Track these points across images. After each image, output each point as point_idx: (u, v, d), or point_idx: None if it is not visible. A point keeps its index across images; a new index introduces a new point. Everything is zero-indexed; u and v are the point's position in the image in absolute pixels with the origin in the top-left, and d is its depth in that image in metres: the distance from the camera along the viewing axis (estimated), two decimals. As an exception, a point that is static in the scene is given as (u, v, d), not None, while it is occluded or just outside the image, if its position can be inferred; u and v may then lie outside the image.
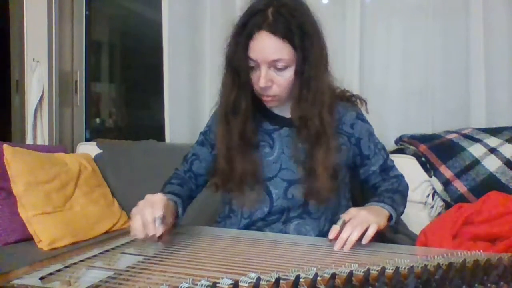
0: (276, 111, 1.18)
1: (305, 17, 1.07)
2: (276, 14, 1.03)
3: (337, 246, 0.95)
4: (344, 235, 0.95)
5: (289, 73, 1.06)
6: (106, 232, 1.72)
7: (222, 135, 1.14)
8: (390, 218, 1.07)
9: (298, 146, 1.13)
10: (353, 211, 1.01)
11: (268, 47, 1.03)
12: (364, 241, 0.95)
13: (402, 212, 1.19)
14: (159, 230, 0.90)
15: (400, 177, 1.24)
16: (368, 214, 1.00)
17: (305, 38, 1.04)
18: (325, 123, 1.09)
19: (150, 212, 0.91)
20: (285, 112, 1.17)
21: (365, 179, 1.24)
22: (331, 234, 0.97)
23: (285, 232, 1.14)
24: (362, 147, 1.20)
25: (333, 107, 1.14)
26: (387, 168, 1.23)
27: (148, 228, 0.90)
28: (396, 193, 1.16)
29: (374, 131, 1.24)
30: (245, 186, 1.14)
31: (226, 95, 1.12)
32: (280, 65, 1.05)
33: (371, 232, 0.96)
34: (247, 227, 1.18)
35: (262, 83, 1.05)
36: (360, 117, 1.22)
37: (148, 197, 0.97)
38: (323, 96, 1.09)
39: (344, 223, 0.97)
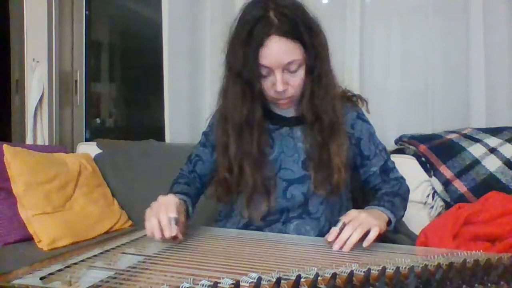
0: (277, 110, 1.18)
1: (306, 14, 1.07)
2: (280, 16, 1.02)
3: (335, 246, 0.94)
4: (343, 236, 0.94)
5: (302, 73, 1.07)
6: (106, 232, 1.72)
7: (235, 150, 1.12)
8: (389, 222, 1.06)
9: (307, 145, 1.13)
10: (353, 213, 1.00)
11: (281, 51, 1.02)
12: (366, 243, 0.94)
13: (402, 216, 1.18)
14: (173, 230, 0.93)
15: (400, 180, 1.24)
16: (368, 217, 0.99)
17: (312, 34, 1.05)
18: (338, 115, 1.11)
19: (165, 214, 0.95)
20: (286, 111, 1.17)
21: (365, 180, 1.23)
22: (330, 236, 0.96)
23: (285, 233, 1.14)
24: (362, 147, 1.20)
25: (340, 101, 1.15)
26: (387, 169, 1.22)
27: (165, 230, 0.93)
28: (396, 196, 1.15)
29: (375, 132, 1.24)
30: (255, 196, 1.14)
31: (238, 109, 1.10)
32: (293, 67, 1.05)
33: (373, 236, 0.95)
34: (246, 226, 1.18)
35: (279, 87, 1.04)
36: (361, 117, 1.22)
37: (161, 198, 1.01)
38: (334, 89, 1.12)
39: (344, 225, 0.96)
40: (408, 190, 1.24)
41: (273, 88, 1.06)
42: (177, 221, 0.95)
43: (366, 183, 1.24)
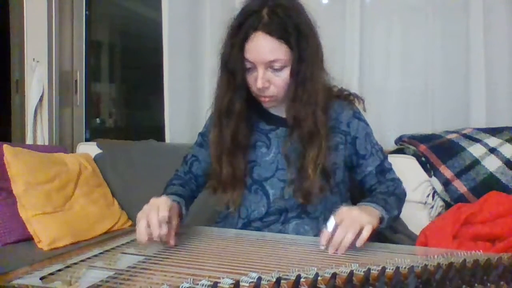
0: (273, 111, 1.18)
1: (301, 17, 1.07)
2: (272, 14, 1.03)
3: (330, 250, 0.92)
4: (337, 238, 0.91)
5: (286, 73, 1.07)
6: (106, 232, 1.72)
7: (214, 137, 1.15)
8: (382, 220, 1.02)
9: (290, 145, 1.13)
10: (344, 211, 0.96)
11: (264, 48, 1.03)
12: (359, 243, 0.91)
13: (397, 216, 1.15)
14: (163, 229, 0.91)
15: (397, 181, 1.21)
16: (360, 214, 0.95)
17: (301, 38, 1.05)
18: (318, 123, 1.09)
19: (156, 214, 0.92)
20: (282, 112, 1.17)
21: (361, 181, 1.22)
22: (323, 240, 0.92)
23: (284, 233, 1.14)
24: (358, 147, 1.19)
25: (327, 107, 1.14)
26: (383, 170, 1.20)
27: (153, 229, 0.91)
28: (391, 196, 1.13)
29: (372, 132, 1.22)
30: (229, 188, 1.14)
31: (221, 97, 1.12)
32: (277, 65, 1.05)
33: (366, 234, 0.91)
34: (245, 226, 1.18)
35: (259, 84, 1.05)
36: (357, 116, 1.20)
37: (153, 200, 0.99)
38: (317, 95, 1.09)
39: (336, 226, 0.92)
40: (404, 192, 1.21)
41: (255, 84, 1.07)
42: (168, 221, 0.93)
43: (362, 183, 1.22)
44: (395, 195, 1.14)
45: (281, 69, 1.06)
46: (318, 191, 1.10)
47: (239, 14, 1.07)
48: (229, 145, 1.13)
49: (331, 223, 0.93)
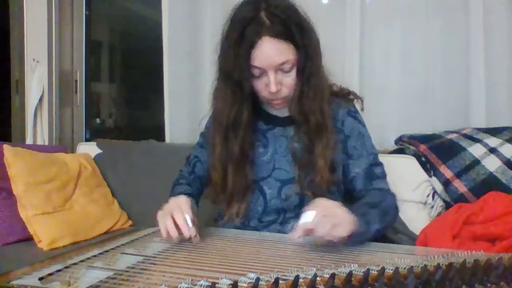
0: (270, 110, 1.18)
1: (299, 14, 1.07)
2: (272, 16, 1.02)
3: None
4: (320, 232, 0.86)
5: (295, 72, 1.07)
6: (106, 232, 1.72)
7: (220, 151, 1.14)
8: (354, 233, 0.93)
9: (294, 144, 1.13)
10: (325, 203, 0.92)
11: (274, 52, 1.02)
12: (335, 240, 0.88)
13: (379, 230, 1.03)
14: (192, 231, 0.95)
15: (385, 192, 1.14)
16: (344, 213, 0.90)
17: (303, 34, 1.05)
18: (325, 116, 1.10)
19: (181, 214, 0.96)
20: (280, 111, 1.17)
21: (350, 182, 1.17)
22: (299, 232, 0.87)
23: (283, 233, 1.13)
24: (348, 146, 1.16)
25: (331, 102, 1.14)
26: (372, 176, 1.15)
27: (183, 229, 0.94)
28: (373, 208, 1.04)
29: (367, 134, 1.19)
30: (238, 198, 1.15)
31: (226, 110, 1.10)
32: (287, 67, 1.05)
33: (343, 234, 0.88)
34: (243, 226, 1.18)
35: (273, 88, 1.04)
36: (352, 114, 1.19)
37: (173, 199, 1.02)
38: (323, 90, 1.10)
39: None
40: (393, 206, 1.14)
41: (266, 89, 1.06)
42: (193, 221, 0.96)
43: (350, 188, 1.18)
44: (378, 208, 1.06)
45: (290, 69, 1.06)
46: (327, 184, 1.09)
47: (236, 23, 1.05)
48: (237, 158, 1.12)
49: (311, 214, 0.88)
